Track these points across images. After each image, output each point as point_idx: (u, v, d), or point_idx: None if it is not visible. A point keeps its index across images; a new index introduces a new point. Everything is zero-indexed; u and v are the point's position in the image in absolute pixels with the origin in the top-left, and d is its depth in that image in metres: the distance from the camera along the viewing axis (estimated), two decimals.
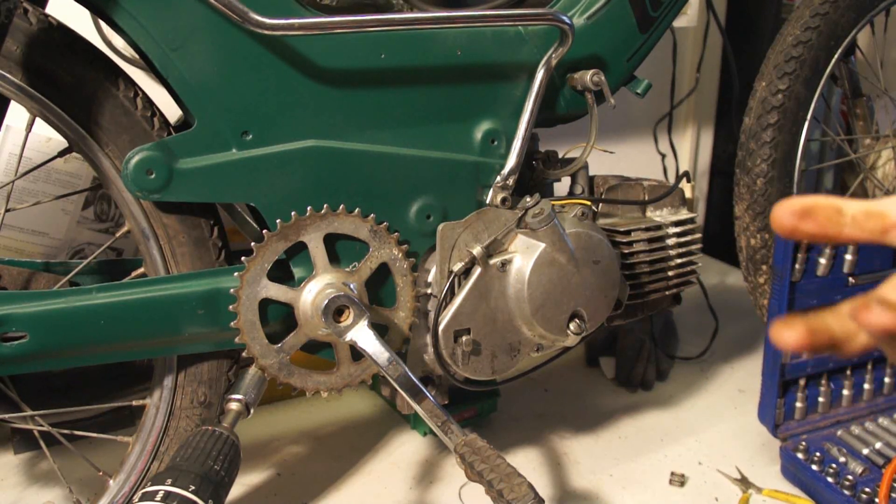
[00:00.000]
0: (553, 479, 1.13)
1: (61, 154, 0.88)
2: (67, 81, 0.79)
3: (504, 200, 0.95)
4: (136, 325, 0.82)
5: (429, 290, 0.95)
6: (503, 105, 0.96)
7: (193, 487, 0.71)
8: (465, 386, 1.00)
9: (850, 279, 1.16)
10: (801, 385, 1.16)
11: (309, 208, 0.86)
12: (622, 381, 1.40)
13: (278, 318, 0.88)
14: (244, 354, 0.87)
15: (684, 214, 1.11)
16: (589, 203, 1.00)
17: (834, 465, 1.08)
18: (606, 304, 1.00)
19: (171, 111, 0.88)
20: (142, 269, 0.87)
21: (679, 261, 1.09)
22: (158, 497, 0.70)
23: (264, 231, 0.85)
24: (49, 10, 0.82)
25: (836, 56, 1.26)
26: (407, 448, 1.21)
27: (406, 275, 0.92)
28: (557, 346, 1.01)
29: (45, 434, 0.93)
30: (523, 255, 0.93)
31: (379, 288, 0.93)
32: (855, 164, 1.44)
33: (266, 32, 0.79)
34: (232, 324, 0.85)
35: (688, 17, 1.77)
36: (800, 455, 1.11)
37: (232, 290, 0.84)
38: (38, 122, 0.82)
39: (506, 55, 0.94)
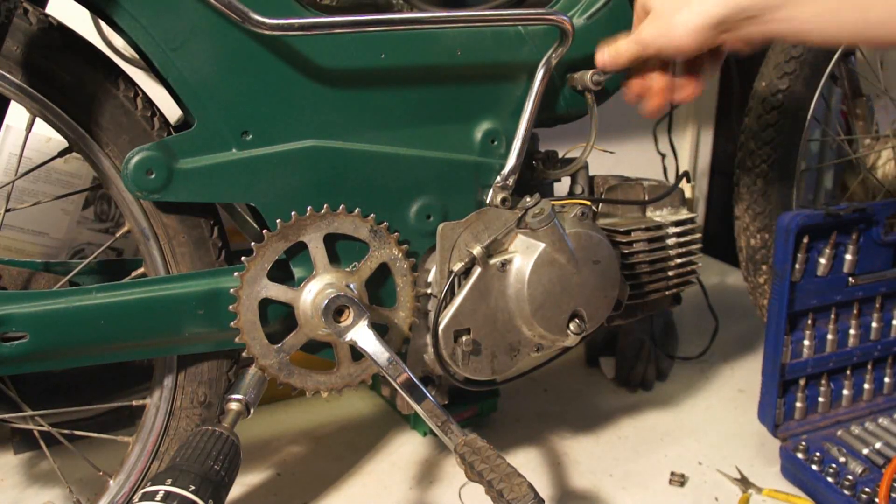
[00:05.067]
0: (553, 479, 1.13)
1: (61, 154, 0.88)
2: (67, 81, 0.79)
3: (504, 200, 0.95)
4: (136, 325, 0.82)
5: (429, 290, 0.95)
6: (503, 105, 0.96)
7: (193, 487, 0.71)
8: (465, 386, 1.00)
9: (850, 279, 1.16)
10: (801, 385, 1.16)
11: (309, 208, 0.86)
12: (622, 381, 1.40)
13: (278, 318, 0.88)
14: (244, 354, 0.87)
15: (684, 214, 1.11)
16: (589, 203, 1.00)
17: (834, 465, 1.08)
18: (606, 304, 1.00)
19: (171, 111, 0.88)
20: (142, 269, 0.87)
21: (679, 261, 1.09)
22: (158, 497, 0.70)
23: (264, 231, 0.85)
24: (49, 10, 0.82)
25: (835, 56, 1.26)
26: (407, 448, 1.21)
27: (406, 275, 0.92)
28: (557, 346, 1.01)
29: (45, 434, 0.93)
30: (523, 255, 0.93)
31: (379, 288, 0.93)
32: (855, 164, 1.44)
33: (266, 32, 0.79)
34: (232, 324, 0.85)
35: None
36: (800, 455, 1.11)
37: (232, 290, 0.84)
38: (38, 122, 0.82)
39: (506, 55, 0.94)
